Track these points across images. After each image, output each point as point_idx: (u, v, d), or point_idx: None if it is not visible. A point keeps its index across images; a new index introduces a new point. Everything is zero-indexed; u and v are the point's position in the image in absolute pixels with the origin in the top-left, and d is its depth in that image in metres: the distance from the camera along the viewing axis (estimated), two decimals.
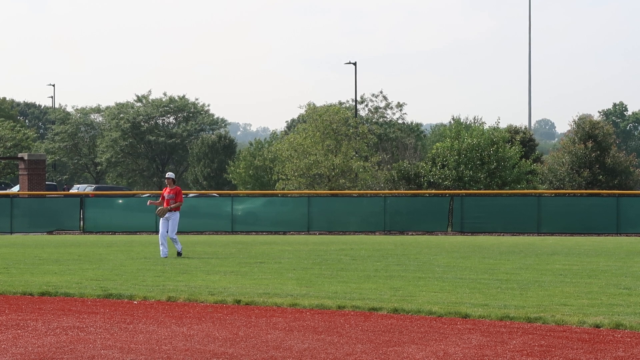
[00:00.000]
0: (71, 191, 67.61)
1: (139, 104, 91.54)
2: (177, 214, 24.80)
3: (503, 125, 63.34)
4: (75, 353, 10.36)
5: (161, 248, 24.50)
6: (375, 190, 53.57)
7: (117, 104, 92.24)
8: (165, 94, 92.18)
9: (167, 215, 24.59)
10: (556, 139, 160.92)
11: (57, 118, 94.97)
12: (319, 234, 41.38)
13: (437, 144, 54.96)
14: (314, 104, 65.66)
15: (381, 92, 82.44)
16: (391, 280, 18.26)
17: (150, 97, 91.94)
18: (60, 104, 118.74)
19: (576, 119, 57.94)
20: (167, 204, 24.61)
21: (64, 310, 14.11)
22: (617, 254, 26.75)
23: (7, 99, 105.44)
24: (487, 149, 50.77)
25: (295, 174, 56.79)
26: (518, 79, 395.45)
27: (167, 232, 24.53)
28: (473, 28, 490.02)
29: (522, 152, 53.48)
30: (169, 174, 25.42)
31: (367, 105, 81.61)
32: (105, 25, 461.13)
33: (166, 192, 24.92)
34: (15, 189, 59.62)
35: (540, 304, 14.30)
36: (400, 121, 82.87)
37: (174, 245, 24.86)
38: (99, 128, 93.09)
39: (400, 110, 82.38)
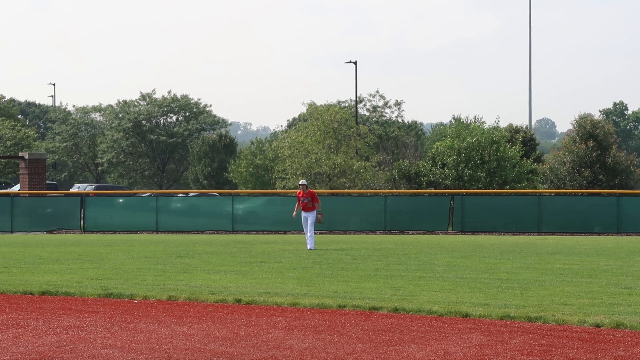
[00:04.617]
0: (71, 190, 67.60)
1: (143, 103, 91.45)
2: (314, 212, 28.66)
3: (503, 124, 63.40)
4: (75, 352, 10.37)
5: (309, 241, 28.10)
6: (376, 189, 53.57)
7: (119, 102, 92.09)
8: (169, 92, 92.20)
9: (310, 213, 28.46)
10: (557, 139, 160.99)
11: (57, 117, 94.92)
12: (320, 233, 41.34)
13: (437, 143, 54.98)
14: (314, 103, 65.73)
15: (377, 92, 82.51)
16: (391, 279, 18.27)
17: (154, 96, 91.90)
18: (61, 103, 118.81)
19: (577, 118, 57.96)
20: (306, 206, 28.58)
21: (65, 309, 14.11)
22: (617, 253, 26.75)
23: (8, 97, 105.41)
24: (488, 148, 50.78)
25: (297, 172, 56.83)
26: (519, 78, 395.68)
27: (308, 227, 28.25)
28: (474, 27, 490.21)
29: (523, 152, 53.50)
30: (303, 181, 29.24)
31: (365, 105, 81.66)
32: (106, 24, 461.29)
33: (301, 195, 28.76)
34: (16, 188, 59.61)
35: (540, 303, 14.31)
36: (399, 119, 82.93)
37: (307, 241, 28.04)
38: (100, 127, 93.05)
39: (399, 108, 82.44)
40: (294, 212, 29.27)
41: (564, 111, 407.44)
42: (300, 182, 29.50)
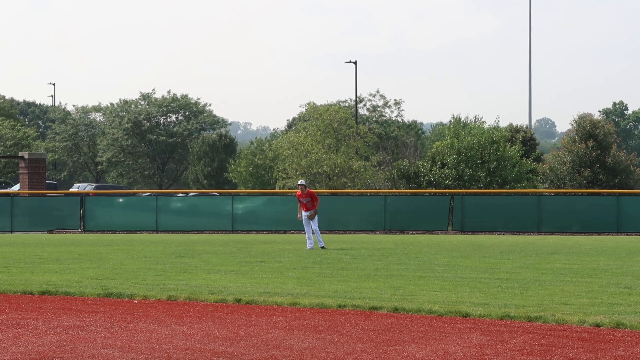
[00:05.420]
0: (71, 190, 67.61)
1: (143, 102, 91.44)
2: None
3: (503, 124, 63.43)
4: (75, 352, 10.36)
5: (308, 242, 28.22)
6: (376, 189, 53.56)
7: (121, 101, 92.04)
8: (169, 92, 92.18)
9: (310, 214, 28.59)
10: (557, 138, 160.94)
11: (57, 117, 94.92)
12: (320, 232, 41.30)
13: (437, 143, 54.98)
14: (314, 103, 65.76)
15: (378, 92, 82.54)
16: (391, 279, 18.26)
17: (154, 96, 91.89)
18: (60, 103, 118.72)
19: (577, 118, 57.99)
20: (306, 207, 28.63)
21: (65, 309, 14.11)
22: (617, 253, 26.75)
23: (7, 97, 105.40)
24: (487, 148, 50.78)
25: (297, 172, 56.85)
26: (519, 78, 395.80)
27: (312, 228, 28.40)
28: (474, 27, 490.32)
29: (523, 152, 53.50)
30: (302, 181, 29.37)
31: (365, 105, 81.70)
32: (106, 24, 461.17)
33: (301, 197, 28.81)
34: (16, 187, 59.61)
35: (540, 303, 14.31)
36: (399, 119, 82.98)
37: (318, 239, 28.16)
38: (100, 127, 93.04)
39: (398, 108, 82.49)
40: (299, 214, 29.12)
41: (564, 111, 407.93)
42: (299, 183, 29.54)
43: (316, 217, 28.65)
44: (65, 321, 12.73)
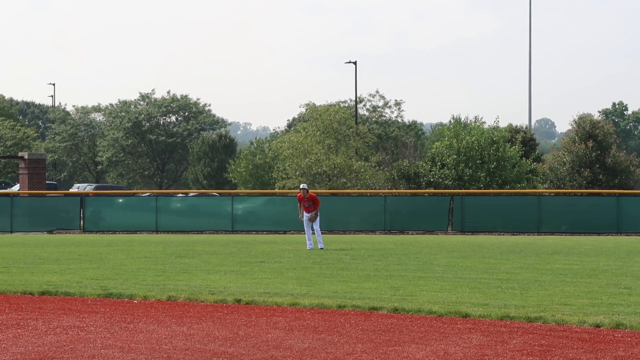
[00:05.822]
0: (71, 190, 67.60)
1: (142, 103, 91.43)
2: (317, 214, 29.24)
3: (503, 124, 63.44)
4: (75, 352, 10.37)
5: (308, 243, 28.50)
6: (375, 189, 53.57)
7: (120, 102, 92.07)
8: (169, 93, 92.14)
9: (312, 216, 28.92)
10: (556, 139, 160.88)
11: (57, 118, 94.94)
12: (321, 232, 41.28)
13: (436, 143, 54.97)
14: (313, 104, 65.77)
15: (377, 92, 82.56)
16: (391, 279, 18.27)
17: (154, 96, 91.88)
18: (60, 103, 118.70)
19: (576, 118, 58.00)
20: (308, 210, 28.89)
21: (64, 309, 14.11)
22: (617, 253, 26.75)
23: (7, 97, 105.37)
24: (487, 148, 50.78)
25: (297, 172, 56.87)
26: (519, 78, 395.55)
27: (312, 229, 28.79)
28: (474, 27, 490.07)
29: (522, 152, 53.50)
30: (304, 185, 29.56)
31: (364, 105, 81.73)
32: (106, 24, 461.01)
33: (303, 200, 28.99)
34: (16, 188, 59.61)
35: (540, 303, 14.31)
36: (399, 120, 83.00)
37: (318, 241, 28.35)
38: (99, 127, 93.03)
39: (399, 108, 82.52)
40: (300, 215, 29.22)
41: (564, 111, 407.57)
42: (301, 186, 29.69)
43: (318, 218, 28.90)
44: (65, 321, 12.73)
